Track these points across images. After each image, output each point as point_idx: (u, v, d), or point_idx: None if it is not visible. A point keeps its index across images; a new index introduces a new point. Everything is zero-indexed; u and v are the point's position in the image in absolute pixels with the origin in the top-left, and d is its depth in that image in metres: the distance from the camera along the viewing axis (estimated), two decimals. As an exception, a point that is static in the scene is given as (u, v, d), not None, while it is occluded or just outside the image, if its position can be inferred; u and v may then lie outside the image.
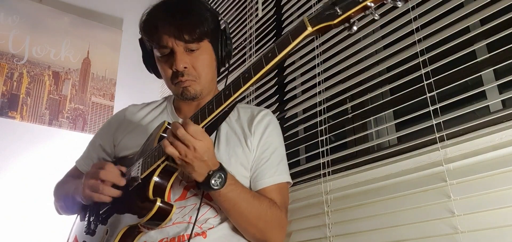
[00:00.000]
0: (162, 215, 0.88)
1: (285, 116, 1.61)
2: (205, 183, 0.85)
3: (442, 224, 0.98)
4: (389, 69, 1.26)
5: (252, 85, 0.80)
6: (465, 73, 1.05)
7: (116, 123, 1.19)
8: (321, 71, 1.47)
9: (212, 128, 0.92)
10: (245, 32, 1.97)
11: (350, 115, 1.36)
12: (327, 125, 1.39)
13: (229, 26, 2.10)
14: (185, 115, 1.11)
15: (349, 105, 1.36)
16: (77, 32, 2.40)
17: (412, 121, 1.15)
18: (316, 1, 1.57)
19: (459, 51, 1.06)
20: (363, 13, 0.69)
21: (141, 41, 1.12)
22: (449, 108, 1.07)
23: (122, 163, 1.02)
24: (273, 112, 1.65)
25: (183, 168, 0.85)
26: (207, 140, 0.83)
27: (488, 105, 1.04)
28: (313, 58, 1.52)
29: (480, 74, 1.05)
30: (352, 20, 0.70)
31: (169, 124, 0.96)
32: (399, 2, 0.66)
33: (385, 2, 0.67)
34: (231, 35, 2.06)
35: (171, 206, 0.88)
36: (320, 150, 1.37)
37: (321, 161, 1.35)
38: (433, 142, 1.06)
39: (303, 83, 1.57)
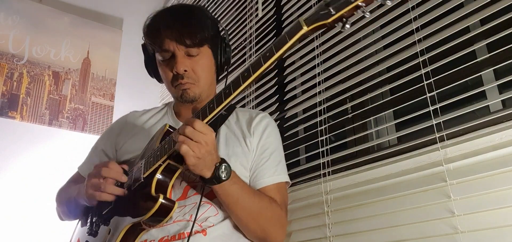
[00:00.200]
0: (164, 212, 0.89)
1: (285, 116, 1.61)
2: (213, 176, 0.87)
3: (442, 224, 0.98)
4: (389, 69, 1.26)
5: (251, 83, 0.84)
6: (465, 73, 1.05)
7: (117, 128, 1.22)
8: (321, 71, 1.47)
9: (213, 127, 0.93)
10: (245, 32, 1.97)
11: (350, 115, 1.36)
12: (327, 125, 1.39)
13: (229, 26, 2.11)
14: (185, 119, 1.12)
15: (349, 105, 1.36)
16: (77, 32, 2.40)
17: (412, 121, 1.15)
18: (316, 1, 1.57)
19: (459, 51, 1.06)
20: (355, 12, 0.73)
21: (143, 46, 1.15)
22: (449, 108, 1.06)
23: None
24: (273, 112, 1.66)
25: (195, 167, 0.86)
26: (212, 134, 0.86)
27: (488, 105, 1.04)
28: (313, 58, 1.52)
29: (480, 74, 1.05)
30: (344, 19, 0.74)
31: (170, 126, 0.99)
32: (389, 2, 0.70)
33: (375, 1, 0.71)
34: (231, 35, 2.06)
35: (173, 202, 0.90)
36: (320, 150, 1.37)
37: (321, 161, 1.35)
38: (433, 142, 1.06)
39: (303, 83, 1.57)
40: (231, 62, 1.95)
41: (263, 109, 1.73)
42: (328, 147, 1.36)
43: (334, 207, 1.26)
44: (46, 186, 2.00)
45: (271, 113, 1.67)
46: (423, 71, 1.12)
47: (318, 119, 1.42)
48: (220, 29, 1.14)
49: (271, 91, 1.73)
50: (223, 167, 0.88)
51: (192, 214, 0.95)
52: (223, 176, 0.88)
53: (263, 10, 1.87)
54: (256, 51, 1.86)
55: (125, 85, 2.49)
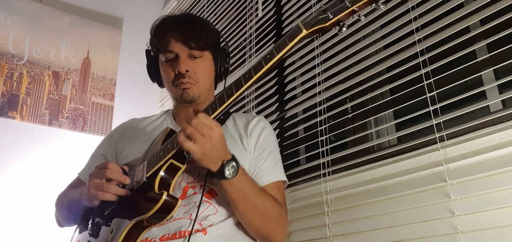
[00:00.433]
0: (168, 208, 0.91)
1: (285, 117, 1.61)
2: (219, 171, 0.88)
3: (442, 224, 0.98)
4: (389, 69, 1.26)
5: (252, 84, 0.87)
6: (465, 73, 1.05)
7: (117, 134, 1.25)
8: (321, 71, 1.47)
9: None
10: (245, 32, 1.97)
11: (350, 115, 1.36)
12: (327, 125, 1.39)
13: (229, 26, 2.11)
14: None
15: (349, 105, 1.36)
16: (77, 32, 2.40)
17: (412, 121, 1.15)
18: (316, 1, 1.57)
19: (459, 51, 1.06)
20: (351, 17, 0.80)
21: (147, 52, 1.19)
22: (449, 108, 1.07)
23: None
24: (273, 112, 1.66)
25: (201, 161, 0.87)
26: (219, 128, 0.87)
27: (488, 105, 1.04)
28: (313, 58, 1.52)
29: (480, 74, 1.05)
30: (341, 23, 0.81)
31: (171, 130, 1.02)
32: (382, 5, 0.77)
33: (370, 6, 0.78)
34: (231, 35, 2.07)
35: (176, 199, 0.92)
36: (320, 150, 1.37)
37: (321, 161, 1.35)
38: (433, 142, 1.06)
39: (303, 83, 1.57)
40: (231, 62, 1.97)
41: (263, 110, 1.73)
42: (328, 147, 1.36)
43: (334, 207, 1.26)
44: (46, 186, 2.00)
45: (271, 113, 1.67)
46: (423, 71, 1.12)
47: (318, 119, 1.42)
48: (222, 40, 1.20)
49: (271, 91, 1.73)
50: (231, 165, 0.89)
51: (192, 212, 0.96)
52: (228, 173, 0.88)
53: (263, 10, 1.87)
54: (256, 51, 1.86)
55: (125, 85, 2.49)
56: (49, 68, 2.28)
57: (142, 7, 2.70)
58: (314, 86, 1.48)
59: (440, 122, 1.05)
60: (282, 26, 1.75)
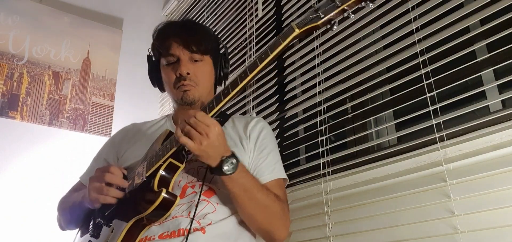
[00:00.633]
0: (167, 205, 0.92)
1: (285, 117, 1.61)
2: (218, 167, 0.90)
3: (442, 224, 0.98)
4: (389, 69, 1.26)
5: (248, 82, 0.90)
6: (465, 73, 1.05)
7: (119, 137, 1.27)
8: (321, 71, 1.47)
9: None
10: (245, 32, 1.97)
11: (350, 115, 1.36)
12: (327, 125, 1.39)
13: (229, 26, 2.11)
14: None
15: (349, 105, 1.36)
16: (77, 32, 2.40)
17: (412, 121, 1.15)
18: (316, 1, 1.57)
19: (459, 51, 1.06)
20: (342, 15, 0.84)
21: (148, 57, 1.22)
22: (449, 108, 1.07)
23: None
24: (273, 112, 1.66)
25: (199, 157, 0.90)
26: (217, 125, 0.89)
27: (488, 105, 1.04)
28: (313, 58, 1.52)
29: (480, 74, 1.05)
30: (332, 21, 0.84)
31: (170, 132, 1.04)
32: (371, 4, 0.81)
33: (360, 4, 0.82)
34: (231, 35, 2.07)
35: (175, 196, 0.93)
36: (320, 150, 1.37)
37: (321, 161, 1.35)
38: (433, 142, 1.06)
39: (303, 83, 1.57)
40: (231, 62, 1.97)
41: (263, 110, 1.73)
42: (328, 147, 1.36)
43: (334, 207, 1.26)
44: (46, 186, 2.00)
45: (271, 113, 1.67)
46: (423, 71, 1.12)
47: (318, 119, 1.42)
48: (222, 46, 1.23)
49: (271, 91, 1.73)
50: (229, 161, 0.90)
51: (190, 211, 0.97)
52: (226, 169, 0.90)
53: (263, 10, 1.87)
54: (256, 51, 1.86)
55: (125, 85, 2.48)
56: (49, 68, 2.27)
57: (142, 7, 2.70)
58: (314, 86, 1.48)
59: (440, 122, 1.05)
60: (282, 26, 1.75)
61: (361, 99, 1.33)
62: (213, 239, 0.95)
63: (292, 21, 1.68)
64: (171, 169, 0.95)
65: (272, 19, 1.81)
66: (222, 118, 1.13)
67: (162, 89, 1.22)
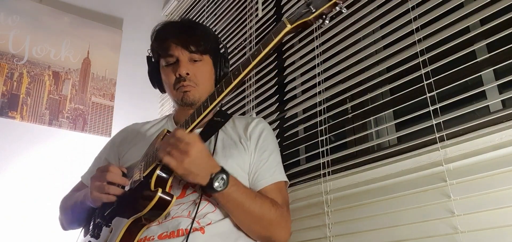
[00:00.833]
0: (163, 205, 0.92)
1: (285, 117, 1.61)
2: (209, 185, 0.90)
3: (442, 224, 0.98)
4: (389, 69, 1.26)
5: (241, 80, 0.91)
6: (465, 73, 1.05)
7: (120, 138, 1.27)
8: (321, 71, 1.47)
9: (209, 135, 1.06)
10: (245, 32, 1.97)
11: (350, 115, 1.36)
12: (327, 125, 1.39)
13: (229, 26, 2.11)
14: None
15: (349, 105, 1.36)
16: (77, 32, 2.40)
17: (412, 121, 1.15)
18: (316, 1, 1.57)
19: (459, 51, 1.06)
20: (333, 9, 0.82)
21: (148, 58, 1.22)
22: (449, 108, 1.07)
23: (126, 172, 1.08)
24: (273, 112, 1.66)
25: (185, 177, 0.90)
26: (198, 142, 0.89)
27: (488, 105, 1.04)
28: (313, 58, 1.52)
29: (480, 74, 1.05)
30: (324, 16, 0.83)
31: (168, 131, 1.03)
32: None
33: None
34: (231, 35, 2.07)
35: (171, 196, 0.93)
36: (320, 150, 1.37)
37: (321, 161, 1.35)
38: (433, 142, 1.06)
39: (303, 83, 1.57)
40: (231, 62, 1.97)
41: (263, 110, 1.73)
42: (328, 147, 1.36)
43: (334, 207, 1.26)
44: (46, 186, 2.00)
45: (271, 113, 1.67)
46: (423, 71, 1.12)
47: (318, 119, 1.42)
48: (221, 46, 1.23)
49: (271, 91, 1.73)
50: (220, 177, 0.90)
51: (190, 210, 0.97)
52: (217, 186, 0.89)
53: (263, 10, 1.87)
54: (256, 51, 1.86)
55: (125, 85, 2.48)
56: (49, 68, 2.27)
57: (142, 7, 2.70)
58: (314, 86, 1.48)
59: (440, 122, 1.05)
60: (282, 26, 1.75)
61: (361, 99, 1.33)
62: (212, 238, 0.95)
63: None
64: (168, 169, 0.95)
65: (272, 19, 1.81)
66: (223, 118, 1.14)
67: (162, 91, 1.22)
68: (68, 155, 2.11)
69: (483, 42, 1.04)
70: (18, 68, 2.17)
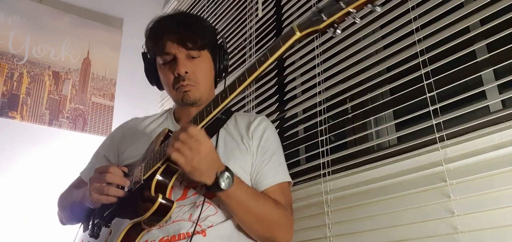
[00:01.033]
0: (163, 211, 0.91)
1: (285, 117, 1.61)
2: (214, 184, 0.88)
3: (442, 224, 0.98)
4: (389, 69, 1.26)
5: (246, 87, 0.87)
6: (465, 73, 1.05)
7: (119, 134, 1.24)
8: (321, 71, 1.47)
9: (211, 133, 1.00)
10: (245, 32, 1.97)
11: (350, 115, 1.36)
12: (327, 125, 1.39)
13: (229, 26, 2.11)
14: None
15: (349, 105, 1.36)
16: (77, 32, 2.40)
17: (412, 121, 1.15)
18: (316, 1, 1.57)
19: (459, 51, 1.06)
20: (345, 19, 0.77)
21: (144, 54, 1.17)
22: (449, 108, 1.06)
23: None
24: (273, 112, 1.66)
25: (191, 175, 0.88)
26: (208, 142, 0.87)
27: (488, 105, 1.04)
28: (313, 58, 1.52)
29: (480, 74, 1.05)
30: (336, 25, 0.78)
31: (169, 130, 1.01)
32: (378, 7, 0.74)
33: (365, 7, 0.74)
34: (231, 35, 2.07)
35: (172, 202, 0.92)
36: (320, 150, 1.37)
37: (321, 161, 1.35)
38: (433, 142, 1.06)
39: (303, 83, 1.57)
40: (231, 62, 1.97)
41: (263, 110, 1.73)
42: (328, 147, 1.36)
43: (334, 207, 1.26)
44: (46, 186, 2.00)
45: (271, 113, 1.67)
46: (423, 71, 1.12)
47: (318, 119, 1.42)
48: (219, 37, 1.18)
49: (271, 91, 1.73)
50: (225, 176, 0.88)
51: (191, 213, 0.96)
52: (223, 185, 0.88)
53: (263, 10, 1.87)
54: (256, 51, 1.86)
55: (125, 85, 2.49)
56: (49, 68, 2.28)
57: (142, 7, 2.70)
58: (314, 86, 1.48)
59: (440, 122, 1.05)
60: (282, 26, 1.75)
61: (361, 99, 1.33)
62: (213, 241, 0.94)
63: (293, 21, 1.70)
64: (169, 173, 0.93)
65: (272, 19, 1.81)
66: (225, 115, 1.12)
67: (160, 88, 1.18)
68: (68, 155, 2.12)
69: (483, 42, 1.03)
70: (18, 68, 2.18)
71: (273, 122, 1.64)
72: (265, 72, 0.91)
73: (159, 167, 0.92)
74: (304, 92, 1.54)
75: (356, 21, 0.76)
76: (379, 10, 0.75)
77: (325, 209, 1.27)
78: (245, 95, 1.85)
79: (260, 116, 1.16)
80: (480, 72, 1.04)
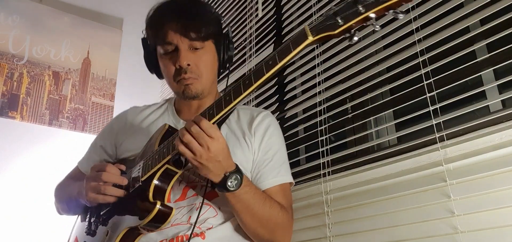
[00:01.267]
0: (162, 218, 0.89)
1: (285, 117, 1.61)
2: (221, 184, 0.85)
3: (442, 224, 0.98)
4: (389, 69, 1.26)
5: (252, 92, 0.81)
6: (465, 73, 1.04)
7: (117, 125, 1.20)
8: (321, 71, 1.47)
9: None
10: (245, 32, 1.97)
11: (350, 115, 1.36)
12: (327, 125, 1.39)
13: (229, 26, 2.10)
14: (186, 117, 1.11)
15: (349, 105, 1.36)
16: (77, 32, 2.40)
17: (412, 121, 1.15)
18: (316, 1, 1.57)
19: (459, 51, 1.06)
20: (363, 24, 0.69)
21: (143, 40, 1.11)
22: (449, 108, 1.06)
23: (123, 164, 1.02)
24: (273, 112, 1.66)
25: (199, 171, 0.84)
26: (221, 139, 0.82)
27: (488, 105, 1.04)
28: (313, 58, 1.52)
29: (480, 74, 1.05)
30: (353, 31, 0.70)
31: (170, 126, 0.97)
32: (400, 15, 0.66)
33: (386, 13, 0.67)
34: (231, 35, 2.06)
35: (171, 209, 0.89)
36: (320, 150, 1.37)
37: (321, 161, 1.35)
38: (433, 142, 1.06)
39: (303, 83, 1.57)
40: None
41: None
42: (328, 147, 1.36)
43: (334, 207, 1.26)
44: (46, 186, 1.99)
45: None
46: (423, 71, 1.12)
47: (318, 119, 1.42)
48: (224, 25, 1.11)
49: (271, 91, 1.73)
50: (233, 177, 0.84)
51: (190, 215, 0.94)
52: (231, 187, 0.84)
53: (263, 10, 1.87)
54: (256, 51, 1.86)
55: (125, 85, 2.49)
56: (49, 68, 2.28)
57: (142, 7, 2.68)
58: (314, 86, 1.48)
59: (440, 122, 1.05)
60: (282, 26, 1.75)
61: (361, 99, 1.33)
62: None
63: (292, 21, 1.70)
64: (167, 176, 0.91)
65: (272, 19, 1.81)
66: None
67: (160, 76, 1.12)
68: (68, 155, 2.11)
69: (483, 42, 1.03)
70: (18, 68, 2.18)
71: (273, 122, 1.64)
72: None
73: (158, 170, 0.89)
74: (304, 92, 1.54)
75: (376, 29, 0.69)
76: (401, 17, 0.67)
77: (325, 209, 1.27)
78: (245, 95, 1.85)
79: (264, 112, 1.12)
80: (480, 72, 1.04)
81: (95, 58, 2.44)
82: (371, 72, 1.30)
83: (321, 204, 1.29)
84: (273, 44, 1.78)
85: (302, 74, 1.58)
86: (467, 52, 1.05)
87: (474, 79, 1.06)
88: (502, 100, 1.02)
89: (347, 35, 0.71)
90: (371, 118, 1.33)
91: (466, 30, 1.09)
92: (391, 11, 0.66)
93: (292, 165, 1.47)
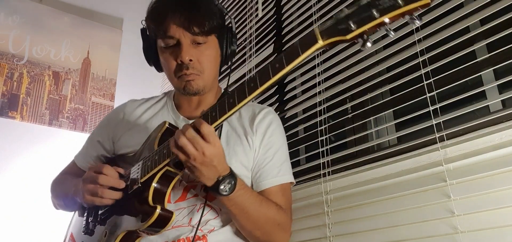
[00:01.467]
0: (162, 223, 0.87)
1: (285, 116, 1.61)
2: (214, 187, 0.83)
3: (442, 224, 0.98)
4: (389, 69, 1.26)
5: (257, 95, 0.78)
6: (465, 73, 1.05)
7: (115, 120, 1.17)
8: (321, 71, 1.47)
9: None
10: (245, 32, 1.97)
11: (350, 115, 1.36)
12: (327, 125, 1.39)
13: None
14: (186, 112, 1.10)
15: (349, 105, 1.36)
16: (77, 32, 2.40)
17: (412, 121, 1.15)
18: (316, 1, 1.57)
19: (459, 51, 1.06)
20: (377, 29, 0.65)
21: (143, 31, 1.08)
22: (449, 108, 1.06)
23: (121, 160, 1.02)
24: (273, 112, 1.66)
25: (191, 173, 0.83)
26: (217, 145, 0.80)
27: (488, 105, 1.04)
28: (313, 58, 1.52)
29: (480, 74, 1.05)
30: (365, 36, 0.66)
31: (170, 124, 0.95)
32: (417, 21, 0.62)
33: (402, 18, 0.63)
34: (232, 35, 2.06)
35: (171, 213, 0.88)
36: (320, 150, 1.37)
37: (321, 161, 1.35)
38: (433, 142, 1.06)
39: (303, 83, 1.57)
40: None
41: (263, 109, 1.73)
42: (328, 147, 1.36)
43: (334, 207, 1.26)
44: (46, 186, 1.99)
45: (271, 113, 1.67)
46: (423, 71, 1.12)
47: (318, 119, 1.42)
48: (227, 18, 1.08)
49: (271, 91, 1.73)
50: (227, 181, 0.82)
51: (191, 217, 0.93)
52: (224, 191, 0.83)
53: (263, 10, 1.87)
54: (256, 51, 1.86)
55: (125, 85, 2.49)
56: (49, 68, 2.28)
57: (142, 7, 2.67)
58: (314, 86, 1.48)
59: (440, 122, 1.05)
60: (282, 26, 1.75)
61: (361, 99, 1.33)
62: None
63: (292, 21, 1.70)
64: (167, 179, 0.89)
65: (272, 19, 1.81)
66: None
67: (159, 69, 1.08)
68: (68, 155, 2.11)
69: (483, 42, 1.03)
70: (18, 68, 2.18)
71: (273, 121, 1.64)
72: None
73: (157, 171, 0.87)
74: (304, 92, 1.54)
75: (390, 35, 0.65)
76: (418, 23, 0.63)
77: (325, 209, 1.27)
78: (245, 95, 1.85)
79: (266, 109, 1.09)
80: (480, 72, 1.04)
81: (95, 58, 2.44)
82: (371, 72, 1.30)
83: (321, 204, 1.29)
84: (273, 44, 1.78)
85: (302, 74, 1.58)
86: (467, 52, 1.05)
87: (474, 79, 1.06)
88: (502, 100, 1.02)
89: (360, 40, 0.67)
90: (371, 118, 1.33)
91: (466, 30, 1.09)
92: (407, 16, 0.62)
93: (292, 165, 1.47)
